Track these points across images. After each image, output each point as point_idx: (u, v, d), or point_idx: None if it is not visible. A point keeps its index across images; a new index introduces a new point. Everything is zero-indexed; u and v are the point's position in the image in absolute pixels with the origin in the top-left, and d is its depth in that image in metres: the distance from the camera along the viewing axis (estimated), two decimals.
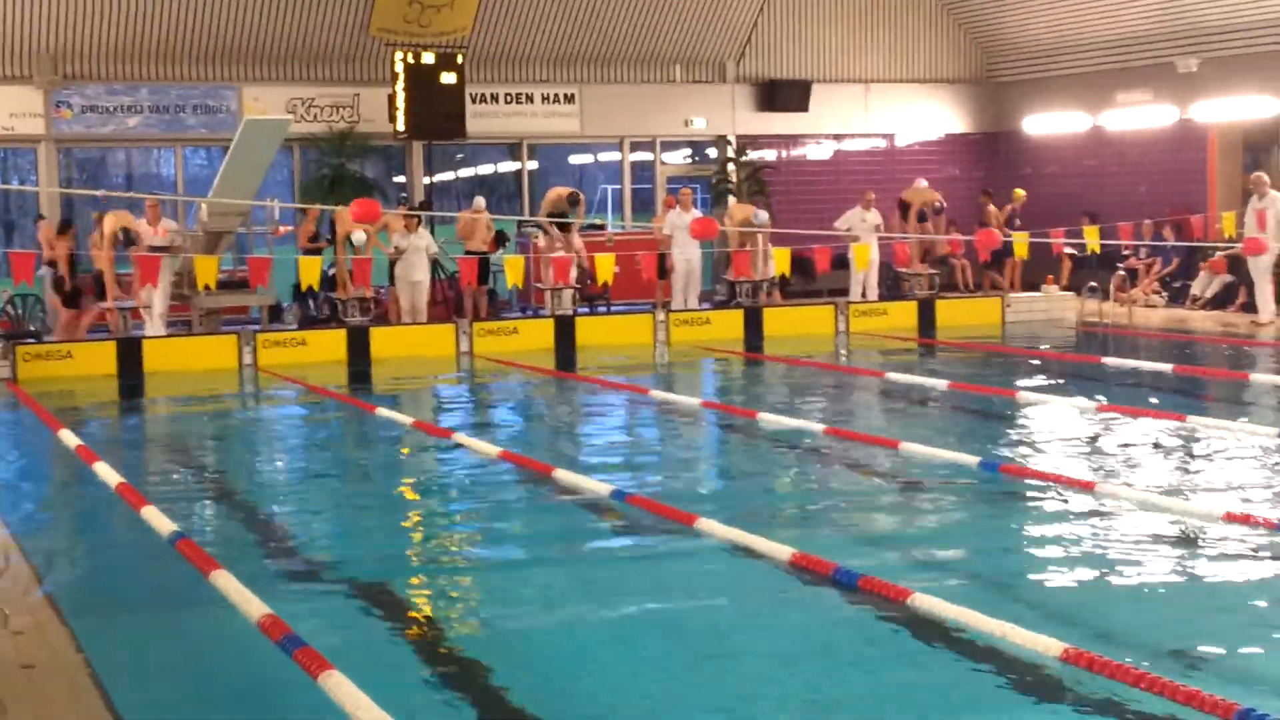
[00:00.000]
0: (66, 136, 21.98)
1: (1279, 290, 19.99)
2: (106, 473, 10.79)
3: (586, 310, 21.51)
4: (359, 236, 19.37)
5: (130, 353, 17.77)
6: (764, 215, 21.98)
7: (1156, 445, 11.64)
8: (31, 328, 19.68)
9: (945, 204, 22.88)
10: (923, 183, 23.63)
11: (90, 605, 7.79)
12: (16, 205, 21.20)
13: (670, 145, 25.89)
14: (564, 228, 21.17)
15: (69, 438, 12.55)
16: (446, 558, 8.96)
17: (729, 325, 20.46)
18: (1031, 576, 8.04)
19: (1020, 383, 15.40)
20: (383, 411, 14.09)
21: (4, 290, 19.72)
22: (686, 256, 21.46)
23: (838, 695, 6.24)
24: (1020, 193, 24.24)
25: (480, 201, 21.71)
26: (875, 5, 25.94)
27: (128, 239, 18.51)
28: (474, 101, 23.20)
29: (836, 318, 21.05)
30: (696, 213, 21.95)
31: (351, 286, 19.66)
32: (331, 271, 20.48)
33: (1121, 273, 21.83)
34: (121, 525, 9.72)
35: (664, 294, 21.73)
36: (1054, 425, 12.90)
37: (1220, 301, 21.32)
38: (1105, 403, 13.43)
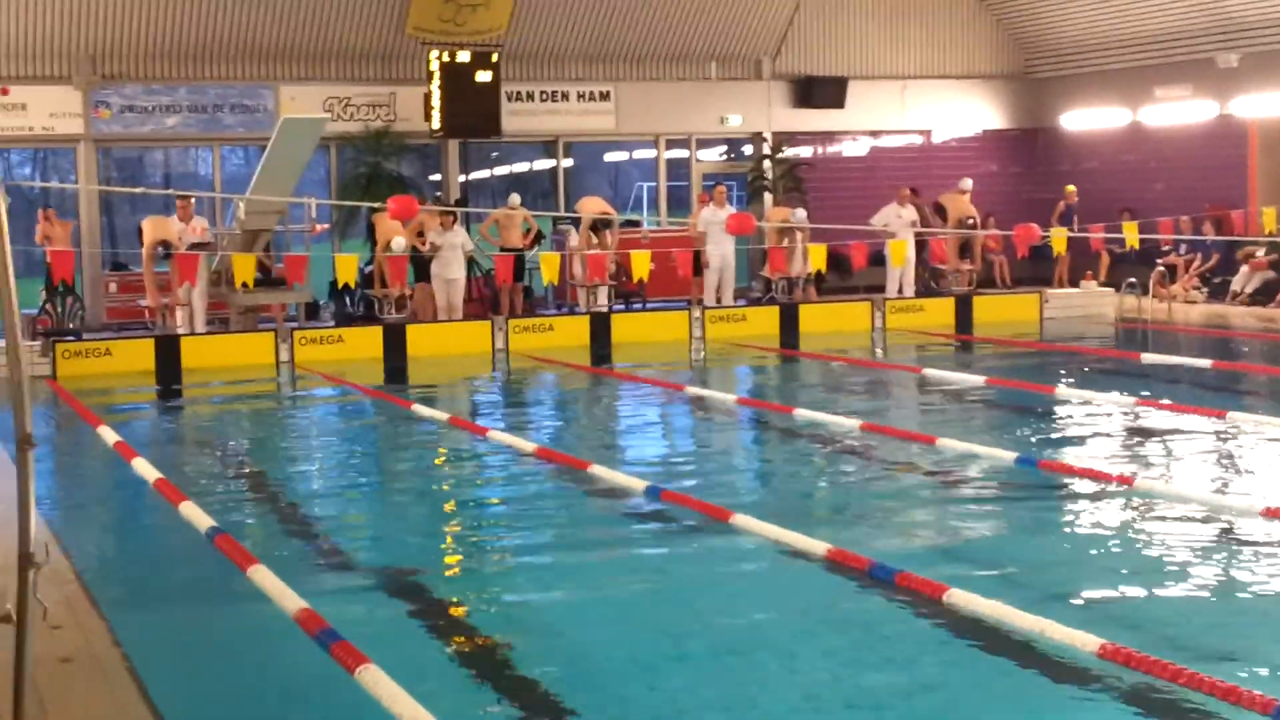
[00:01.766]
0: (105, 136, 22.10)
1: None
2: (145, 468, 10.85)
3: (622, 307, 21.51)
4: (399, 243, 19.42)
5: (168, 350, 17.85)
6: (801, 213, 21.94)
7: (1196, 441, 11.56)
8: (70, 325, 19.80)
9: (978, 220, 22.74)
10: (967, 183, 23.45)
11: (128, 599, 7.84)
12: (56, 205, 21.31)
13: (706, 142, 25.84)
14: (599, 232, 21.11)
15: (108, 434, 12.62)
16: (482, 553, 8.98)
17: (765, 322, 20.40)
18: (1069, 572, 7.99)
19: (1058, 379, 15.31)
20: (419, 408, 14.12)
21: (43, 289, 19.84)
22: (721, 253, 21.43)
23: (873, 690, 6.22)
24: (1071, 188, 24.21)
25: (515, 199, 21.72)
26: (912, 1, 25.83)
27: (166, 252, 18.65)
28: (509, 100, 23.21)
29: (873, 314, 20.97)
30: (730, 209, 21.89)
31: (391, 285, 19.70)
32: (368, 270, 20.55)
33: (1161, 268, 21.68)
34: (160, 520, 9.78)
35: (698, 291, 21.70)
36: (1092, 421, 12.83)
37: (1260, 297, 21.15)
38: (1144, 398, 13.34)
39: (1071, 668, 6.19)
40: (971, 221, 22.53)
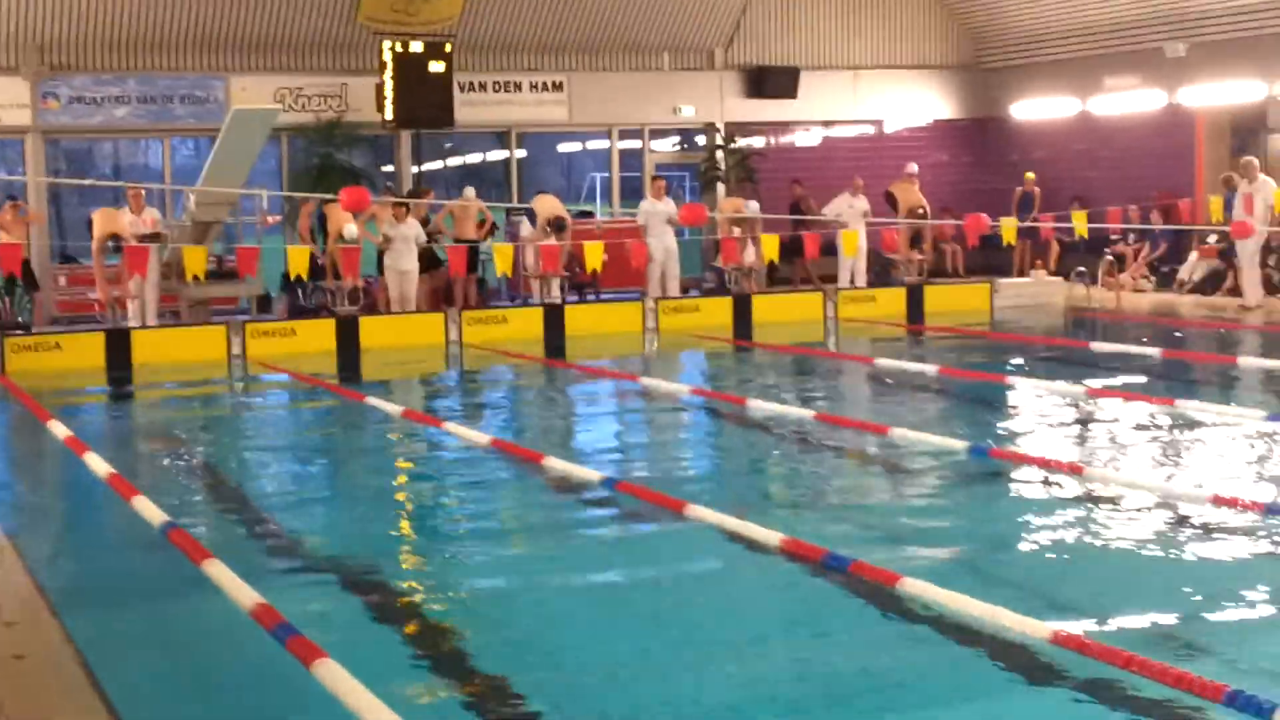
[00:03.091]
0: (54, 127, 21.91)
1: (1266, 275, 20.06)
2: (97, 463, 10.77)
3: (576, 299, 21.49)
4: (351, 231, 19.31)
5: (119, 344, 17.72)
6: (754, 205, 21.98)
7: (1145, 429, 11.67)
8: (20, 319, 19.63)
9: (928, 210, 22.83)
10: (913, 167, 23.68)
11: (82, 596, 7.78)
12: (6, 197, 21.10)
13: (659, 133, 25.86)
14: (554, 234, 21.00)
15: (59, 429, 12.51)
16: (436, 545, 8.96)
17: (718, 313, 20.43)
18: (1021, 560, 8.07)
19: (1009, 368, 15.42)
20: (372, 400, 14.08)
21: None
22: (663, 245, 21.38)
23: (828, 680, 6.25)
24: (1031, 176, 24.39)
25: (470, 191, 21.65)
26: None
27: (116, 245, 18.49)
28: (462, 90, 23.15)
29: (825, 305, 21.05)
30: (669, 201, 21.85)
31: (343, 277, 19.62)
32: (321, 262, 20.45)
33: (1109, 257, 21.85)
34: (112, 516, 9.71)
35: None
36: (1043, 410, 12.93)
37: (1207, 285, 21.35)
38: (1094, 387, 13.45)
39: (1024, 655, 6.24)
40: (921, 211, 22.64)
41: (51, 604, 7.32)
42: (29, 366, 17.05)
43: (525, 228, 21.58)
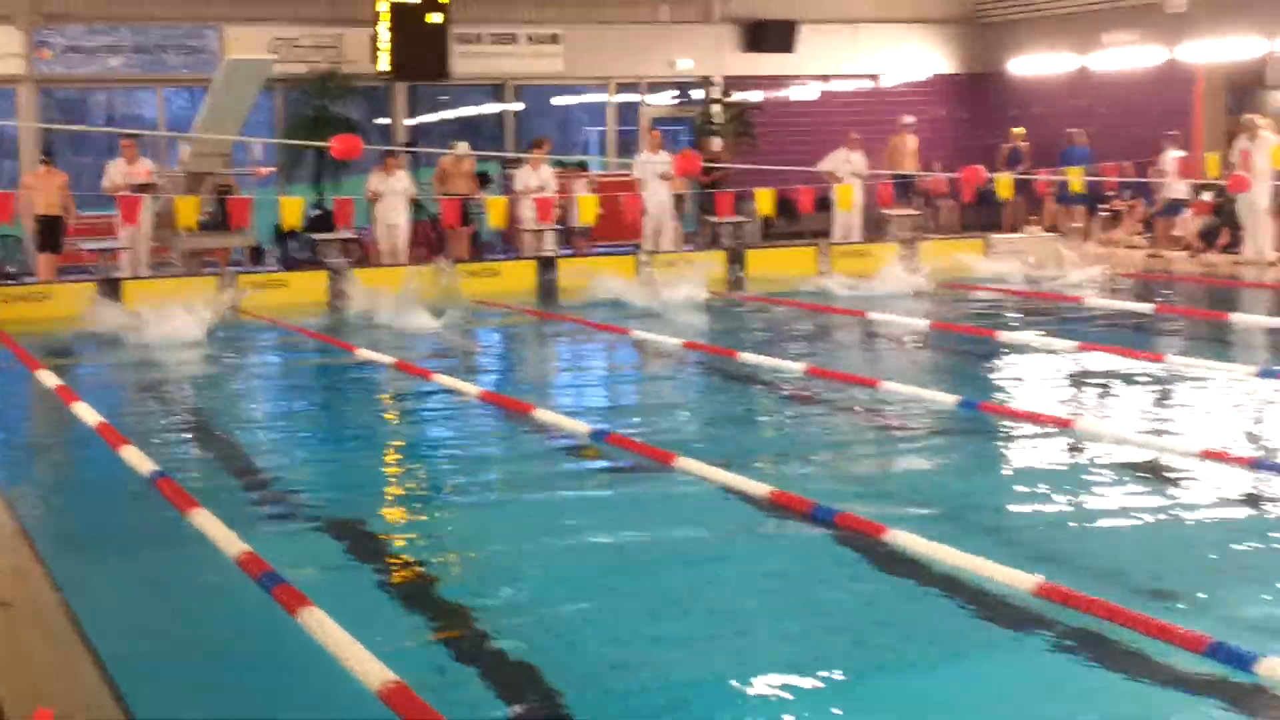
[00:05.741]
0: (47, 77, 21.77)
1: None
2: (86, 412, 10.77)
3: (569, 251, 21.42)
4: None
5: (110, 294, 17.67)
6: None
7: (1136, 384, 11.68)
8: (10, 269, 19.57)
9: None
10: (908, 119, 23.62)
11: (68, 544, 7.79)
12: (40, 157, 20.90)
13: (656, 86, 25.72)
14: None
15: (48, 378, 12.51)
16: (425, 496, 8.98)
17: (711, 267, 20.34)
18: (1008, 513, 8.09)
19: (1001, 323, 15.40)
20: (363, 352, 14.05)
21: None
22: (658, 199, 21.26)
23: (813, 630, 6.27)
24: (1019, 130, 24.29)
25: (464, 146, 21.51)
26: None
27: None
28: (458, 42, 23.02)
29: (819, 259, 20.99)
30: (665, 154, 21.64)
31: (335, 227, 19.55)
32: (314, 213, 20.36)
33: (1105, 213, 21.78)
34: (101, 464, 9.69)
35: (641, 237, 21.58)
36: (1034, 365, 12.93)
37: (1201, 242, 21.27)
38: (1085, 342, 13.44)
39: (1009, 607, 6.26)
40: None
41: (38, 551, 7.31)
42: (19, 315, 17.01)
43: (520, 179, 21.41)
